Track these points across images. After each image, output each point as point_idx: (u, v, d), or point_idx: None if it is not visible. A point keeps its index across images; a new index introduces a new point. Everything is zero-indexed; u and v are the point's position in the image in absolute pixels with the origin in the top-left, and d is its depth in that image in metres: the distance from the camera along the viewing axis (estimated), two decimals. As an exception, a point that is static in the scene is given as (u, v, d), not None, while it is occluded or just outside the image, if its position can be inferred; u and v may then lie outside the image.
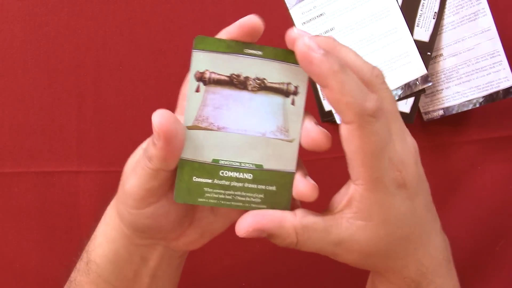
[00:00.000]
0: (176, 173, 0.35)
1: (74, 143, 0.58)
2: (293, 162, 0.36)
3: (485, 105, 0.56)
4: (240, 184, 0.36)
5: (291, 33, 0.34)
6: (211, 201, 0.36)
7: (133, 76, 0.58)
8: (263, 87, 0.35)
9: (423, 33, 0.55)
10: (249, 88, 0.35)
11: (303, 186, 0.36)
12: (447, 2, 0.55)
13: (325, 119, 0.57)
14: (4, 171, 0.58)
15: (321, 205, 0.58)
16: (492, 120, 0.59)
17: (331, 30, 0.56)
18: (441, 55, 0.56)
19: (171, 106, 0.59)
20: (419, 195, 0.36)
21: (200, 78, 0.34)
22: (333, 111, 0.56)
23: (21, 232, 0.58)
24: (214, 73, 0.34)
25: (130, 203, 0.36)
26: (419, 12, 0.55)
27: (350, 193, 0.35)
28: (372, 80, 0.34)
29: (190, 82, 0.34)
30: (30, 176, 0.58)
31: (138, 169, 0.35)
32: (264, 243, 0.59)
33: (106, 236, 0.40)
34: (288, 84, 0.35)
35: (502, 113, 0.59)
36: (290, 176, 0.36)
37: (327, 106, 0.57)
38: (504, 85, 0.55)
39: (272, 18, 0.58)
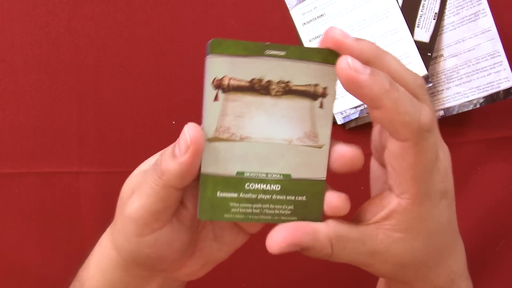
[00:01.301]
0: (198, 189, 0.33)
1: (74, 144, 0.58)
2: (323, 169, 0.33)
3: (486, 105, 0.56)
4: (268, 196, 0.33)
5: (333, 33, 0.31)
6: (238, 216, 0.33)
7: (133, 76, 0.58)
8: (287, 90, 0.32)
9: (424, 33, 0.55)
10: (272, 93, 0.32)
11: (336, 199, 0.33)
12: (447, 3, 0.55)
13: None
14: (4, 172, 0.58)
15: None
16: (492, 121, 0.59)
17: (331, 31, 0.56)
18: (441, 55, 0.56)
19: (171, 106, 0.59)
20: (454, 202, 0.35)
21: (219, 85, 0.31)
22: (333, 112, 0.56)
23: (21, 232, 0.58)
24: (234, 79, 0.32)
25: (131, 230, 0.34)
26: (420, 12, 0.55)
27: (392, 206, 0.33)
28: (416, 92, 0.32)
29: (206, 91, 0.32)
30: (31, 177, 0.58)
31: (144, 188, 0.33)
32: (264, 244, 0.59)
33: (100, 268, 0.38)
34: (316, 85, 0.32)
35: (502, 114, 0.59)
36: (321, 185, 0.33)
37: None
38: (504, 86, 0.55)
39: (273, 19, 0.58)
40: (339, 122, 0.56)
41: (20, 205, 0.58)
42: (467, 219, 0.60)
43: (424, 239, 0.34)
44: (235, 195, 0.33)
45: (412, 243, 0.33)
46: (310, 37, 0.57)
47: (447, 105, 0.57)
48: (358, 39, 0.31)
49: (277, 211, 0.34)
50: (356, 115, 0.55)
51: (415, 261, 0.34)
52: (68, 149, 0.58)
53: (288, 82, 0.32)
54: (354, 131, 0.57)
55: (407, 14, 0.55)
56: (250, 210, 0.33)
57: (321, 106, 0.33)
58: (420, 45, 0.55)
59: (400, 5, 0.55)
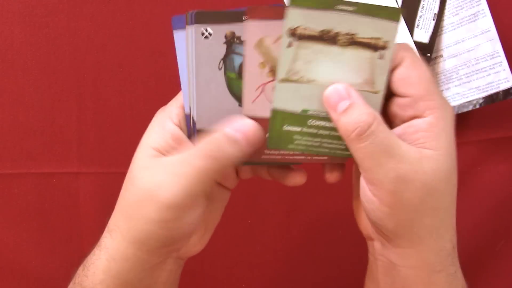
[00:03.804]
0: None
1: (74, 144, 0.58)
2: (378, 111, 0.37)
3: (485, 106, 0.56)
4: (327, 132, 0.37)
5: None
6: (300, 147, 0.38)
7: (133, 77, 0.58)
8: (352, 42, 0.36)
9: (423, 34, 0.55)
10: (339, 43, 0.36)
11: None
12: (447, 3, 0.55)
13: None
14: (4, 172, 0.58)
15: (320, 205, 0.58)
16: (492, 121, 0.59)
17: (331, 31, 0.56)
18: (441, 56, 0.56)
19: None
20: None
21: (293, 34, 0.35)
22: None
23: (21, 233, 0.58)
24: (307, 29, 0.35)
25: (167, 216, 0.35)
26: (419, 13, 0.55)
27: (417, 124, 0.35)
28: None
29: (283, 38, 0.35)
30: (30, 177, 0.58)
31: (186, 169, 0.35)
32: (264, 245, 0.59)
33: (111, 272, 0.38)
34: (378, 39, 0.36)
35: (502, 114, 0.59)
36: None
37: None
38: (504, 86, 0.55)
39: (272, 19, 0.58)
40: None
41: (20, 205, 0.58)
42: (467, 220, 0.60)
43: (451, 161, 0.35)
44: (299, 129, 0.37)
45: (440, 162, 0.34)
46: (309, 38, 0.57)
47: (446, 106, 0.57)
48: None
49: (333, 146, 0.38)
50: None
51: (439, 185, 0.35)
52: (67, 149, 0.58)
53: (354, 34, 0.36)
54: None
55: (406, 14, 0.55)
56: (310, 143, 0.38)
57: (380, 57, 0.36)
58: (419, 46, 0.55)
59: (400, 5, 0.55)
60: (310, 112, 0.37)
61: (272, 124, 0.37)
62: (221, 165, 0.35)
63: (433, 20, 0.55)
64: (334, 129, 0.37)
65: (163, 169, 0.36)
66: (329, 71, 0.36)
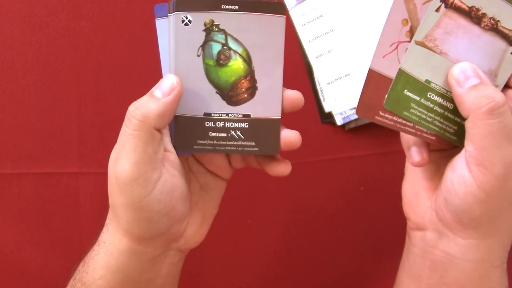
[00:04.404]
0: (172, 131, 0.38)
1: (74, 145, 0.58)
2: None
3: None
4: (442, 111, 0.38)
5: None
6: (413, 117, 0.38)
7: (133, 77, 0.58)
8: (494, 28, 0.36)
9: (423, 34, 0.55)
10: (482, 25, 0.36)
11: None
12: (447, 4, 0.55)
13: (325, 120, 0.57)
14: (4, 172, 0.58)
15: (320, 205, 0.58)
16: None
17: (331, 32, 0.56)
18: (441, 56, 0.56)
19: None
20: None
21: (446, 0, 0.36)
22: (333, 113, 0.56)
23: (21, 233, 0.58)
24: (459, 0, 0.36)
25: (137, 195, 0.35)
26: (419, 13, 0.55)
27: None
28: None
29: (434, 0, 0.36)
30: (31, 177, 0.58)
31: (127, 144, 0.35)
32: (264, 245, 0.59)
33: (110, 267, 0.39)
34: None
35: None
36: None
37: (327, 108, 0.57)
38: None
39: (272, 19, 0.58)
40: (338, 123, 0.56)
41: (20, 205, 0.58)
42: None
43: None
44: (418, 98, 0.38)
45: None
46: (309, 38, 0.57)
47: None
48: None
49: (444, 127, 0.38)
50: (356, 116, 0.55)
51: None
52: (67, 149, 0.58)
53: (498, 21, 0.36)
54: (354, 132, 0.57)
55: (406, 14, 0.55)
56: (424, 117, 0.38)
57: None
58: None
59: None
60: (432, 85, 0.37)
61: (394, 84, 0.37)
62: (149, 122, 0.35)
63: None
64: (450, 109, 0.37)
65: (116, 152, 0.37)
66: (462, 49, 0.36)
